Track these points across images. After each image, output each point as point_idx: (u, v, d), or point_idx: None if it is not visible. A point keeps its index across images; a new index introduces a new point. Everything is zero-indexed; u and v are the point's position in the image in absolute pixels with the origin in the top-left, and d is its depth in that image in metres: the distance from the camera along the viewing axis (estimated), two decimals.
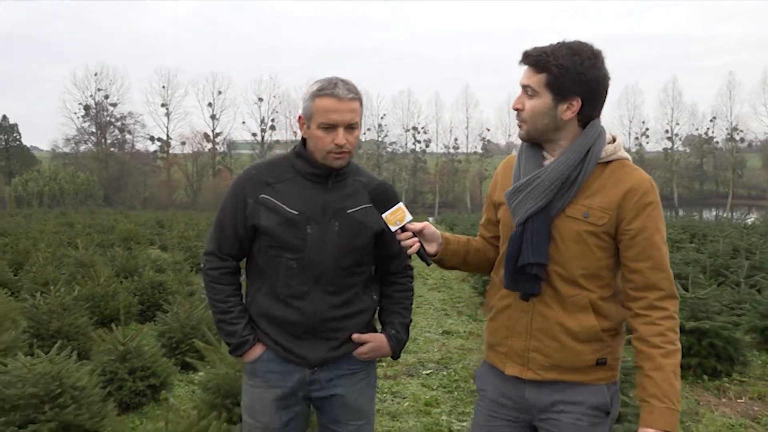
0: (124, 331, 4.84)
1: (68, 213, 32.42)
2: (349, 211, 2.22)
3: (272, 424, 2.23)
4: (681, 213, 37.77)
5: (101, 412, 3.77)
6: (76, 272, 8.50)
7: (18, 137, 73.64)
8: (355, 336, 2.25)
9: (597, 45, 1.91)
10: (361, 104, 2.20)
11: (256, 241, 2.25)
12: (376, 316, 2.42)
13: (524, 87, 1.92)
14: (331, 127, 2.12)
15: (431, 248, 2.07)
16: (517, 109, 1.95)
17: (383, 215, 2.03)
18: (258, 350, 2.24)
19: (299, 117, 2.23)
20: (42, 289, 7.44)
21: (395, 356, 2.36)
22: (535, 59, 1.88)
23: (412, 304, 2.44)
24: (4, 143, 71.65)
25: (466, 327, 7.90)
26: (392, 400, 4.98)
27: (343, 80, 2.16)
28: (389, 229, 2.04)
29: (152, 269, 8.97)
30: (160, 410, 4.61)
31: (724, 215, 34.70)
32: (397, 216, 2.02)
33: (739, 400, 5.06)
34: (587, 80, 1.85)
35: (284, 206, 2.18)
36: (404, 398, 5.04)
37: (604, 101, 1.93)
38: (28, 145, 77.25)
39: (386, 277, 2.40)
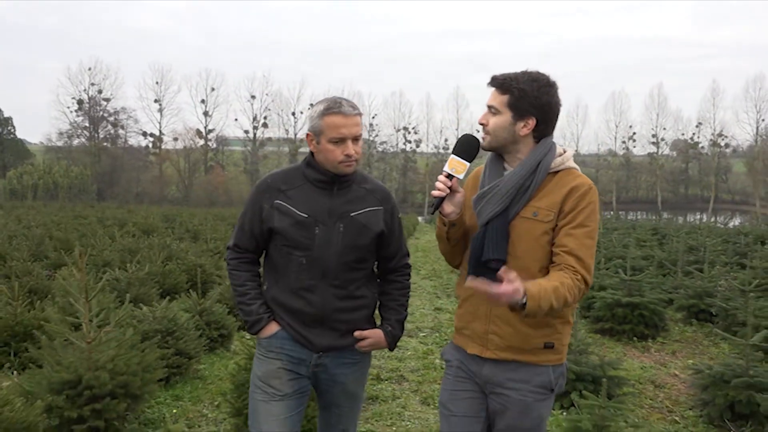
0: (198, 296, 6.45)
1: (69, 207, 33.71)
2: (352, 214, 2.48)
3: (284, 390, 2.50)
4: (665, 216, 39.14)
5: (198, 345, 5.39)
6: (124, 257, 10.05)
7: (12, 130, 73.41)
8: (357, 333, 2.53)
9: (553, 76, 2.20)
10: (361, 118, 2.49)
11: (272, 241, 2.53)
12: (377, 310, 2.69)
13: (489, 107, 2.22)
14: (340, 141, 2.40)
15: (449, 209, 2.26)
16: (482, 124, 2.25)
17: (452, 155, 2.25)
18: (273, 328, 2.53)
19: (307, 134, 2.50)
20: (104, 269, 9.04)
21: (391, 349, 2.65)
22: (500, 82, 2.19)
23: (408, 300, 2.71)
24: None
25: (454, 305, 9.55)
26: (397, 352, 6.62)
27: (345, 99, 2.45)
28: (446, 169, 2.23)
29: (191, 255, 10.55)
30: (228, 353, 6.24)
31: (704, 219, 36.49)
32: (458, 166, 2.23)
33: (656, 353, 6.75)
34: (541, 103, 2.16)
35: (295, 210, 2.46)
36: (407, 350, 6.68)
37: (555, 122, 2.24)
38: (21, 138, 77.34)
39: (385, 275, 2.67)
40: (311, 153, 2.51)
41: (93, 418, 4.02)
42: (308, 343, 2.49)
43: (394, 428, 4.45)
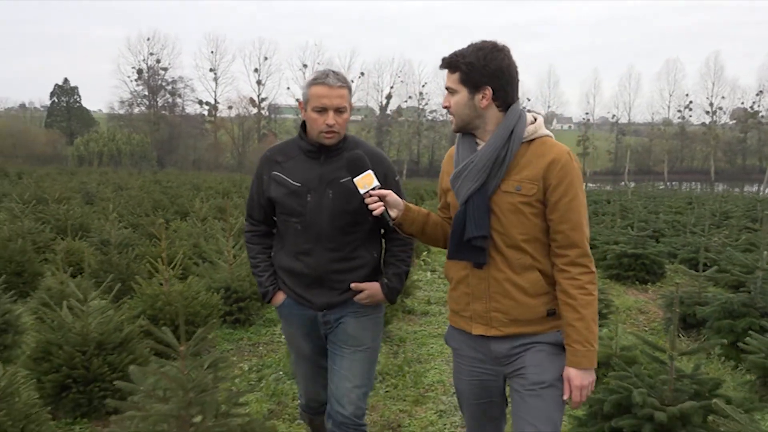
0: None
1: (136, 173, 36.28)
2: (341, 180, 2.57)
3: (303, 351, 2.79)
4: (721, 188, 38.88)
5: None
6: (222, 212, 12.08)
7: (78, 99, 76.62)
8: (353, 285, 2.65)
9: (502, 40, 2.16)
10: (350, 92, 2.58)
11: (276, 210, 2.71)
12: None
13: (447, 88, 2.20)
14: (323, 110, 2.51)
15: (393, 213, 2.31)
16: (446, 107, 2.22)
17: (354, 180, 2.31)
18: (280, 297, 2.74)
19: (299, 102, 2.63)
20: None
21: (391, 302, 2.74)
22: (448, 62, 2.18)
23: (409, 257, 2.78)
24: (65, 105, 75.08)
25: None
26: (444, 287, 8.40)
27: (334, 72, 2.55)
28: (358, 192, 2.30)
29: None
30: None
31: (759, 191, 36.54)
32: (366, 181, 2.29)
33: (651, 293, 8.39)
34: (492, 70, 2.12)
35: (290, 180, 2.61)
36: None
37: (515, 87, 2.18)
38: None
39: (387, 234, 2.78)
40: (303, 123, 2.67)
41: (237, 312, 5.99)
42: (308, 303, 2.67)
43: (439, 329, 6.27)
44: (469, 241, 2.17)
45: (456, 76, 2.17)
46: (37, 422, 3.02)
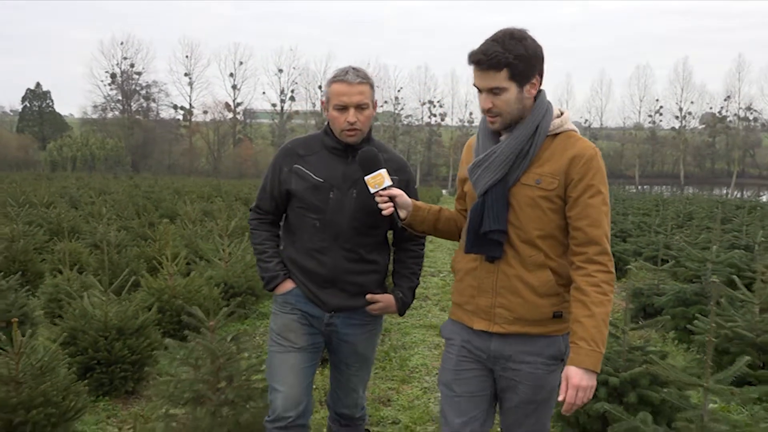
0: None
1: (111, 177, 36.31)
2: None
3: (299, 342, 2.62)
4: (690, 191, 40.06)
5: None
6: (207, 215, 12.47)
7: (51, 104, 75.70)
8: (369, 296, 2.62)
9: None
10: (372, 87, 2.52)
11: (290, 203, 2.64)
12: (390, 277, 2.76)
13: (491, 89, 2.05)
14: (343, 108, 2.47)
15: (402, 213, 2.32)
16: (488, 109, 2.09)
17: (365, 178, 2.30)
18: (288, 285, 2.64)
19: (322, 101, 2.59)
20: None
21: (401, 314, 2.72)
22: (492, 61, 2.01)
23: (421, 269, 2.77)
24: (37, 109, 74.01)
25: None
26: (423, 282, 8.93)
27: (354, 68, 2.50)
28: (369, 191, 2.31)
29: None
30: None
31: (729, 194, 37.82)
32: (376, 180, 2.29)
33: (616, 288, 8.99)
34: (539, 57, 2.06)
35: (312, 174, 2.56)
36: (430, 283, 9.00)
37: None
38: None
39: (400, 243, 2.75)
40: (329, 120, 2.59)
41: (235, 306, 6.41)
42: (320, 302, 2.60)
43: (421, 321, 6.78)
44: (486, 234, 2.12)
45: (503, 73, 2.03)
46: (75, 392, 3.45)
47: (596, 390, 3.27)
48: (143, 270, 6.92)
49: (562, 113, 2.15)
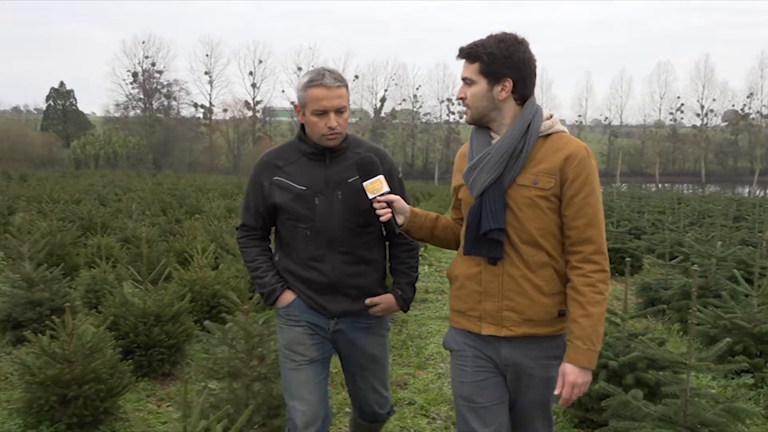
0: None
1: (134, 175, 36.96)
2: (350, 180, 2.51)
3: (309, 354, 2.58)
4: (711, 189, 39.70)
5: None
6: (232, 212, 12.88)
7: (74, 102, 76.95)
8: (368, 300, 2.61)
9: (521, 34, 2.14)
10: (347, 89, 2.49)
11: (278, 216, 2.59)
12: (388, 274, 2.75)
13: (463, 79, 2.17)
14: (323, 113, 2.43)
15: (399, 219, 2.35)
16: (461, 98, 2.19)
17: (363, 183, 2.32)
18: (288, 297, 2.59)
19: (294, 105, 2.54)
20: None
21: (404, 311, 2.71)
22: (467, 52, 2.15)
23: (417, 262, 2.73)
24: (61, 108, 75.28)
25: None
26: (439, 277, 9.22)
27: (329, 70, 2.46)
28: (367, 196, 2.32)
29: None
30: None
31: (751, 192, 37.53)
32: (375, 186, 2.31)
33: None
34: (514, 62, 2.10)
35: (294, 184, 2.52)
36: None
37: (534, 80, 2.17)
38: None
39: (392, 238, 2.69)
40: (302, 126, 2.57)
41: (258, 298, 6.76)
42: (323, 309, 2.57)
43: (437, 313, 7.08)
44: (485, 234, 2.13)
45: (475, 66, 2.14)
46: (120, 371, 3.81)
47: (597, 373, 3.56)
48: (174, 263, 7.29)
49: (551, 115, 2.21)
